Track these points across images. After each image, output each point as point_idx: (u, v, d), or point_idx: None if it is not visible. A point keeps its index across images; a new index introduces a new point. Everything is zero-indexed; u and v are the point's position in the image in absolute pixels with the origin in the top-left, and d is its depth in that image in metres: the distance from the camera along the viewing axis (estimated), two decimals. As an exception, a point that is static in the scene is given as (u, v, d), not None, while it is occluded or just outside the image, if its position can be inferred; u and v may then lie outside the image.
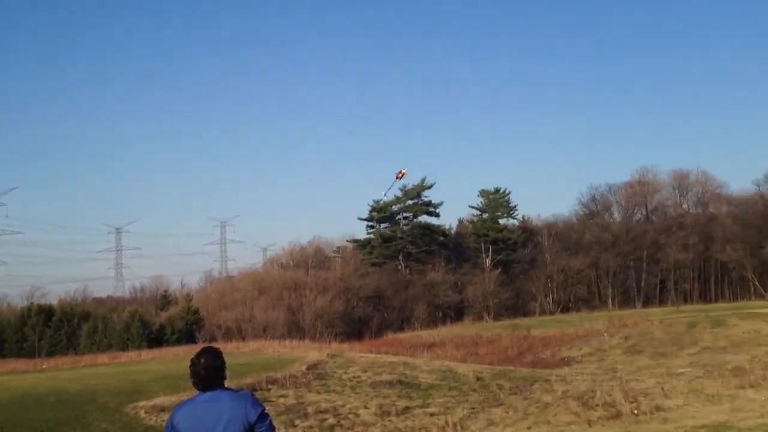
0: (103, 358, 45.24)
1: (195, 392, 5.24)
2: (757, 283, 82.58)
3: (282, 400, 21.21)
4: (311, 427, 18.55)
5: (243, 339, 55.55)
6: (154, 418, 18.15)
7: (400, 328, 74.13)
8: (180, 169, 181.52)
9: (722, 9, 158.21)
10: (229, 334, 62.08)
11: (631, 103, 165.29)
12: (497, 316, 79.41)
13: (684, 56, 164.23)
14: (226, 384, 5.30)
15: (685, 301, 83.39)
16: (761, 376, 21.10)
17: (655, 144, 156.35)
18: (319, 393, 22.74)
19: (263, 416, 5.15)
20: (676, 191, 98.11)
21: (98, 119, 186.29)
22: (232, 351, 41.30)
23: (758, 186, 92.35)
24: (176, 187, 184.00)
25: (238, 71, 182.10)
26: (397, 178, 26.19)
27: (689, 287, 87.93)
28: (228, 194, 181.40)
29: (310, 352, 34.16)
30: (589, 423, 17.33)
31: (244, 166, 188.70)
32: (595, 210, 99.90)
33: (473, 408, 20.67)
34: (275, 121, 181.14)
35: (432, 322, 77.31)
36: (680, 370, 25.59)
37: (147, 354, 45.61)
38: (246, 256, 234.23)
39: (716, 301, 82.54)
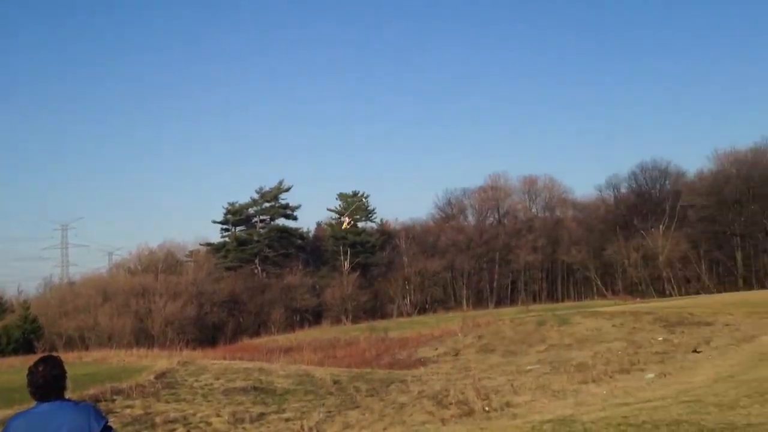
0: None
1: (32, 404, 4.90)
2: (599, 283, 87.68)
3: (128, 410, 20.14)
4: (159, 437, 17.72)
5: (86, 348, 52.88)
6: (-14, 433, 16.65)
7: (257, 333, 73.02)
8: (14, 167, 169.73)
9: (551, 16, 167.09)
10: (70, 344, 58.84)
11: (485, 111, 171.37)
12: (356, 319, 79.77)
13: (531, 66, 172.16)
14: (67, 395, 4.99)
15: (535, 300, 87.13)
16: (603, 372, 22.19)
17: (506, 150, 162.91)
18: (168, 402, 21.78)
19: (107, 429, 4.87)
20: (526, 196, 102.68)
21: None
22: (74, 361, 38.82)
23: (600, 191, 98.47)
24: (10, 187, 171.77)
25: (77, 62, 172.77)
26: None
27: (538, 287, 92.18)
28: (70, 195, 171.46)
29: (159, 360, 32.68)
30: (443, 421, 17.53)
31: (88, 165, 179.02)
32: (450, 213, 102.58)
33: (329, 411, 20.45)
34: (121, 118, 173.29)
35: (289, 326, 76.58)
36: (529, 368, 26.46)
37: (-21, 365, 42.27)
38: (90, 261, 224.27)
39: (563, 300, 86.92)
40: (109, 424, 4.94)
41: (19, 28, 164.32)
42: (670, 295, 74.91)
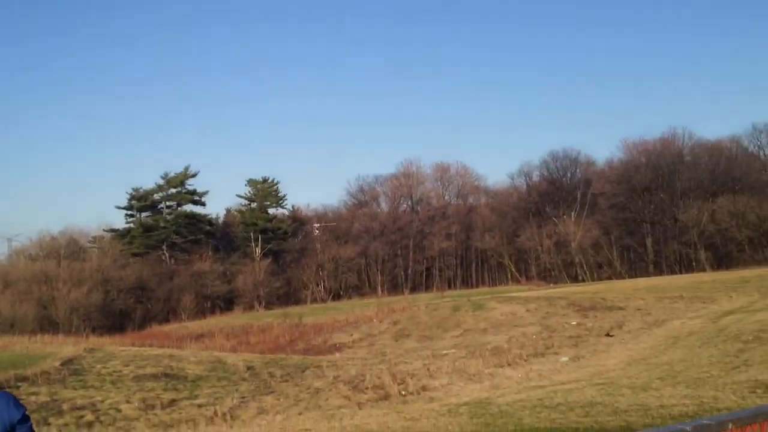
0: None
1: None
2: (513, 269, 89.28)
3: (33, 398, 19.36)
4: (67, 424, 17.02)
5: (-13, 336, 50.48)
6: None
7: (166, 320, 71.32)
8: None
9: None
10: (-30, 331, 56.08)
11: (396, 97, 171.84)
12: (269, 305, 78.95)
13: (443, 53, 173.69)
14: None
15: (449, 286, 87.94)
16: (517, 355, 22.45)
17: (418, 137, 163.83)
18: (76, 389, 21.01)
19: (26, 417, 4.58)
20: (439, 183, 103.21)
21: None
22: (-27, 349, 37.20)
23: (512, 179, 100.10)
24: None
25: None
26: None
27: (452, 273, 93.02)
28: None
29: (64, 347, 31.53)
30: (359, 405, 17.35)
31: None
32: (363, 200, 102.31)
33: (243, 397, 20.00)
34: (16, 98, 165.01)
35: (200, 312, 75.14)
36: (445, 352, 26.58)
37: None
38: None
39: (477, 286, 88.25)
40: (27, 413, 4.66)
41: None
42: (583, 281, 76.98)
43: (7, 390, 5.01)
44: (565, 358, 21.01)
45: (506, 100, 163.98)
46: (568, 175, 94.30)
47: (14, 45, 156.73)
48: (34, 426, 4.79)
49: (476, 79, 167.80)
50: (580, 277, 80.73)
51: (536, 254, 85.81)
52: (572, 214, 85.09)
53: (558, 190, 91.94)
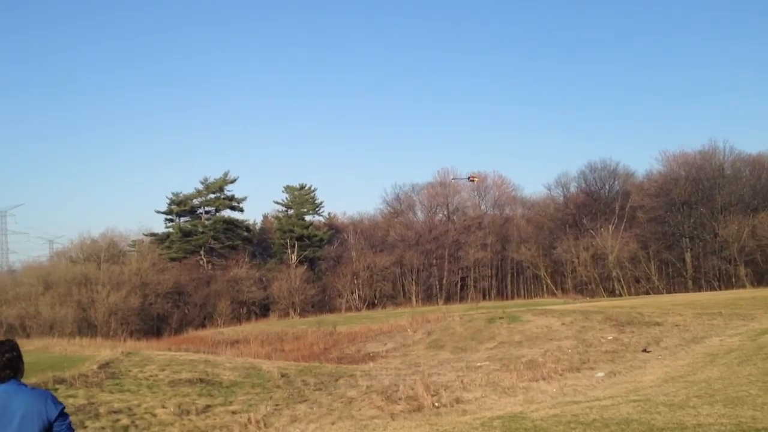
0: None
1: None
2: (549, 281, 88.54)
3: (71, 400, 19.58)
4: (103, 428, 17.21)
5: (27, 336, 51.72)
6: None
7: (202, 325, 72.08)
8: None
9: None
10: (11, 332, 57.31)
11: (434, 107, 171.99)
12: (303, 313, 79.36)
13: (480, 63, 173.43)
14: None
15: (484, 298, 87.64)
16: (552, 369, 22.21)
17: (455, 147, 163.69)
18: (112, 393, 21.23)
19: (63, 415, 4.98)
20: (475, 193, 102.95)
21: None
22: (14, 350, 37.80)
23: (549, 190, 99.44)
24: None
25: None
26: (470, 180, 26.23)
27: (488, 285, 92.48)
28: (8, 181, 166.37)
29: (102, 350, 31.94)
30: (392, 416, 17.32)
31: (27, 149, 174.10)
32: (399, 209, 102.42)
33: (277, 405, 20.08)
34: (62, 107, 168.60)
35: (236, 318, 75.78)
36: (479, 364, 26.40)
37: None
38: (30, 249, 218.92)
39: (512, 298, 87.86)
40: (65, 410, 5.03)
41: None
42: (620, 295, 76.03)
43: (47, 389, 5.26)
44: (600, 374, 20.76)
45: (544, 110, 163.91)
46: (606, 187, 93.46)
47: (61, 54, 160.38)
48: (72, 424, 5.03)
49: (514, 88, 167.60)
50: (617, 291, 79.78)
51: (572, 267, 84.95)
52: (610, 227, 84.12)
53: (595, 202, 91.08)
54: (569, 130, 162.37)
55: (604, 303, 49.75)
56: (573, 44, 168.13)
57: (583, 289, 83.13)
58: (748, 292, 50.80)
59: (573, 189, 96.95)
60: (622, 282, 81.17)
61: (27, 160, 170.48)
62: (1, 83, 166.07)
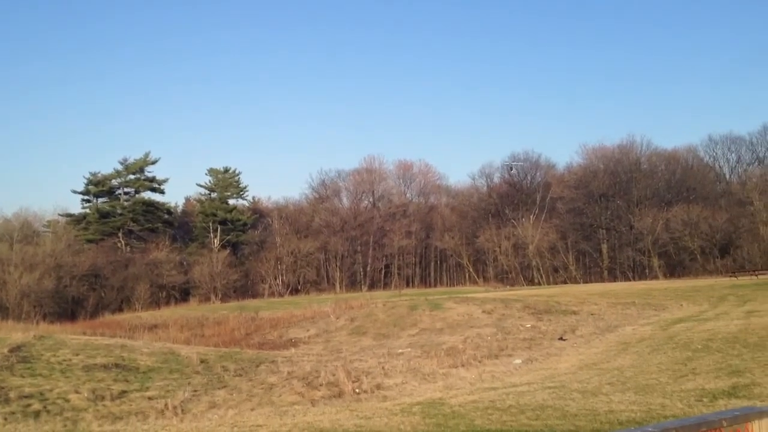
0: None
1: None
2: (471, 270, 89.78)
3: (-21, 384, 18.90)
4: (13, 412, 16.64)
5: (-68, 318, 49.39)
6: None
7: (119, 309, 70.39)
8: None
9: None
10: None
11: (360, 93, 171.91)
12: (225, 298, 78.42)
13: (407, 50, 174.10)
14: None
15: (408, 285, 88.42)
16: (472, 356, 22.58)
17: (381, 134, 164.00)
18: (24, 377, 20.56)
19: None
20: (401, 180, 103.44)
21: None
22: None
23: (473, 179, 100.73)
24: None
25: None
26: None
27: (411, 272, 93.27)
28: None
29: (13, 333, 30.80)
30: (313, 402, 17.29)
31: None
32: (324, 194, 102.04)
33: (196, 391, 19.78)
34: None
35: (155, 303, 74.27)
36: (400, 351, 26.61)
37: None
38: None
39: (435, 285, 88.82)
40: None
41: None
42: (539, 284, 77.81)
43: None
44: (518, 361, 21.21)
45: (470, 102, 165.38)
46: (528, 178, 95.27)
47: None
48: None
49: (442, 76, 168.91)
50: (536, 281, 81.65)
51: (494, 256, 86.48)
52: (531, 217, 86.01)
53: (518, 192, 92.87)
54: (494, 121, 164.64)
55: (524, 292, 50.84)
56: (496, 31, 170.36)
57: (503, 278, 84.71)
58: (661, 283, 52.74)
59: (496, 179, 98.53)
60: (542, 271, 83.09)
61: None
62: None
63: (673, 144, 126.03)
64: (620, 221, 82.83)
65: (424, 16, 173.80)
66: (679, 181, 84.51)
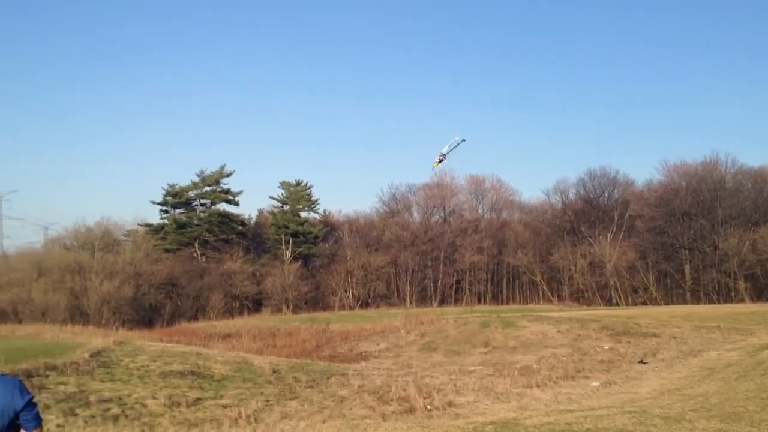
0: None
1: None
2: (545, 288, 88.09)
3: (62, 387, 19.38)
4: (93, 416, 16.97)
5: (19, 322, 51.48)
6: None
7: (195, 318, 71.74)
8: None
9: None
10: (3, 317, 57.06)
11: (431, 108, 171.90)
12: (296, 309, 79.11)
13: (480, 66, 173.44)
14: None
15: (479, 301, 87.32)
16: (547, 377, 22.03)
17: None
18: (103, 381, 21.03)
19: (31, 404, 4.78)
20: (472, 195, 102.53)
21: None
22: (6, 334, 37.67)
23: (547, 195, 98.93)
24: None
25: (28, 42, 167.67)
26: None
27: (483, 288, 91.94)
28: (4, 167, 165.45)
29: (94, 338, 31.72)
30: (384, 417, 17.13)
31: (23, 136, 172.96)
32: (395, 209, 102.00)
33: (268, 400, 19.87)
34: (60, 94, 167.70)
35: (228, 312, 75.47)
36: (472, 368, 26.23)
37: None
38: (24, 235, 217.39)
39: (507, 303, 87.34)
40: (33, 400, 4.83)
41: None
42: (617, 304, 75.82)
43: (33, 378, 5.03)
44: (596, 383, 20.57)
45: (545, 115, 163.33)
46: (606, 194, 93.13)
47: (62, 40, 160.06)
48: (46, 413, 4.81)
49: (515, 92, 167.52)
50: (614, 300, 79.55)
51: (569, 274, 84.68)
52: (608, 235, 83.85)
53: (594, 209, 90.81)
54: (569, 136, 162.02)
55: (601, 312, 49.62)
56: (575, 49, 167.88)
57: (579, 297, 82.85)
58: (747, 307, 50.67)
59: (572, 196, 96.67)
60: (620, 291, 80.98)
61: (23, 146, 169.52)
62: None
63: (761, 161, 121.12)
64: (704, 241, 79.87)
65: (497, 29, 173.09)
66: (767, 200, 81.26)
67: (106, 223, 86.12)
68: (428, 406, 18.30)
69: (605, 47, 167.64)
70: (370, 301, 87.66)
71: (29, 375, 19.03)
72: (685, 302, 73.45)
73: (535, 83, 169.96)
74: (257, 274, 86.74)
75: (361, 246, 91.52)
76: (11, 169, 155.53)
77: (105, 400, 18.64)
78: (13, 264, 75.31)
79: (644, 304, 74.58)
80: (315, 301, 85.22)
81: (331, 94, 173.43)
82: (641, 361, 24.52)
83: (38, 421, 4.82)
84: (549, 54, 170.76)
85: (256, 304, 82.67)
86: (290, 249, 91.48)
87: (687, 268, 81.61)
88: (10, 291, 64.29)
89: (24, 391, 4.77)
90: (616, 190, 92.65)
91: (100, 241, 78.75)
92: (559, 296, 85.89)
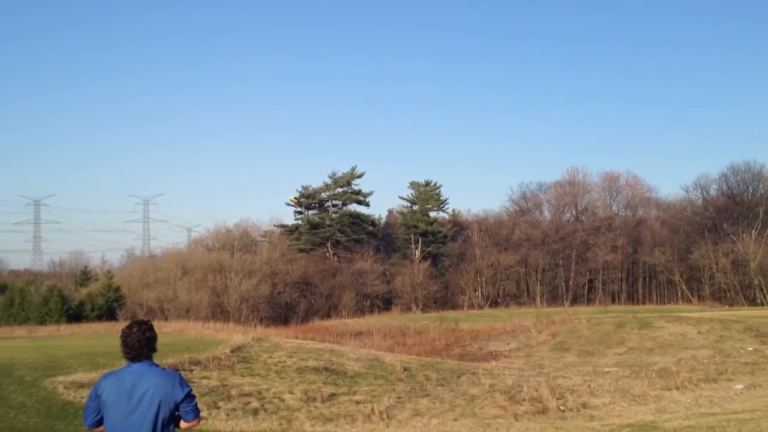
0: (20, 331, 43.12)
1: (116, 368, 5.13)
2: (684, 288, 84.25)
3: (205, 381, 20.54)
4: (234, 409, 17.87)
5: (165, 319, 54.32)
6: (73, 394, 17.15)
7: (327, 316, 73.57)
8: (100, 143, 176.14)
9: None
10: (150, 314, 60.48)
11: (563, 104, 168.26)
12: (425, 308, 79.52)
13: (614, 61, 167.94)
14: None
15: (613, 301, 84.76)
16: (687, 379, 21.21)
17: (585, 145, 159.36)
18: (243, 376, 22.09)
19: (190, 396, 5.07)
20: (606, 193, 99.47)
21: (10, 88, 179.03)
22: (154, 331, 39.85)
23: (687, 192, 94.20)
24: (97, 161, 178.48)
25: (168, 49, 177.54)
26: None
27: (617, 288, 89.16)
28: (152, 171, 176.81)
29: (234, 334, 33.31)
30: (516, 417, 17.06)
31: (170, 143, 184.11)
32: (525, 207, 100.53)
33: (400, 398, 20.21)
34: (203, 101, 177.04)
35: (359, 310, 76.91)
36: (607, 369, 25.62)
37: (65, 329, 43.75)
38: (169, 236, 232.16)
39: (644, 303, 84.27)
40: (192, 392, 5.12)
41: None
42: (762, 304, 71.60)
43: (177, 371, 5.43)
44: (739, 386, 19.64)
45: (683, 107, 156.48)
46: (750, 190, 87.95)
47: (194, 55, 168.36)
48: (199, 405, 5.19)
49: (649, 87, 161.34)
50: (758, 300, 75.05)
51: (710, 273, 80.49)
52: (753, 232, 79.10)
53: (737, 206, 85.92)
54: (710, 129, 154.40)
55: (745, 312, 47.18)
56: (708, 39, 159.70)
57: (721, 297, 78.62)
58: None
59: (713, 192, 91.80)
60: (765, 291, 76.36)
61: (168, 153, 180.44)
62: (147, 84, 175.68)
63: None
64: None
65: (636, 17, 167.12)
66: None
67: (245, 225, 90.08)
68: (561, 407, 18.06)
69: (738, 33, 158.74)
70: (499, 300, 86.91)
71: (175, 369, 20.10)
72: (838, 303, 68.42)
73: (674, 72, 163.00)
74: (387, 273, 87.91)
75: (491, 245, 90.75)
76: (158, 174, 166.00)
77: (245, 394, 19.53)
78: (159, 263, 79.92)
79: (792, 304, 70.00)
80: (444, 301, 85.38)
81: (460, 93, 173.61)
82: (790, 365, 23.17)
83: (197, 412, 5.11)
84: (683, 44, 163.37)
85: (386, 303, 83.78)
86: (419, 248, 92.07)
87: (841, 267, 75.70)
88: (156, 289, 68.21)
89: (183, 384, 5.07)
90: (761, 186, 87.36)
91: (239, 242, 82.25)
92: (699, 296, 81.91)
